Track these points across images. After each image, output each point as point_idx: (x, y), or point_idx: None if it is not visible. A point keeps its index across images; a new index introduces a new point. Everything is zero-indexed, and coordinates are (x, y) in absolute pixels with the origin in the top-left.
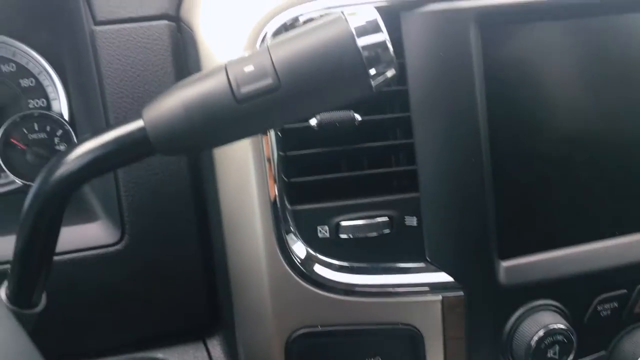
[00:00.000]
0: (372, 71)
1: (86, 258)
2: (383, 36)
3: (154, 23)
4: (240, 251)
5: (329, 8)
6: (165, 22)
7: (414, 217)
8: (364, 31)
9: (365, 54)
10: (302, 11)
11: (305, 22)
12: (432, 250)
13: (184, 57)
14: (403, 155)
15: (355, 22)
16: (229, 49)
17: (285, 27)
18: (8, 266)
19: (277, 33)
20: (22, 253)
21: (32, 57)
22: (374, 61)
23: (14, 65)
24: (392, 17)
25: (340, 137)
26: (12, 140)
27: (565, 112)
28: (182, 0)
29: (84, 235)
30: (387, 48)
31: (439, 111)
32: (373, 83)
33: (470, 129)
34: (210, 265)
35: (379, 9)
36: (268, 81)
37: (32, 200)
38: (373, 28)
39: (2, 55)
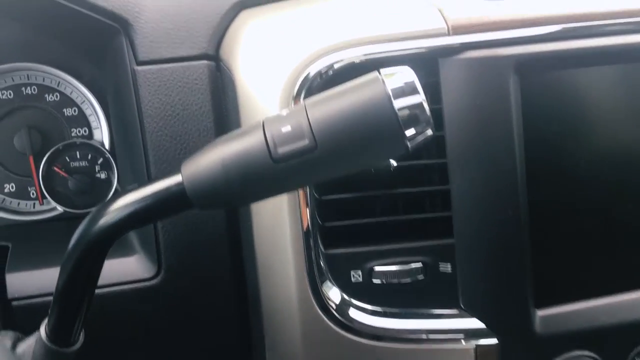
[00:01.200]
0: (409, 132)
1: (122, 292)
2: (420, 97)
3: (194, 63)
4: (274, 292)
5: (367, 55)
6: (204, 62)
7: (448, 264)
8: (400, 92)
9: (401, 115)
10: (340, 58)
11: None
12: (467, 297)
13: (222, 97)
14: (438, 200)
15: (392, 83)
16: (267, 92)
17: (320, 75)
18: (49, 298)
19: (315, 78)
20: (63, 295)
21: (76, 87)
22: (411, 122)
23: (58, 94)
24: (430, 63)
25: (376, 181)
26: (55, 168)
27: (605, 159)
28: (222, 40)
29: (120, 269)
30: (424, 110)
31: (476, 158)
32: (409, 144)
33: (508, 176)
34: (244, 305)
35: (417, 54)
36: (304, 142)
37: (75, 246)
38: (410, 89)
39: (47, 84)
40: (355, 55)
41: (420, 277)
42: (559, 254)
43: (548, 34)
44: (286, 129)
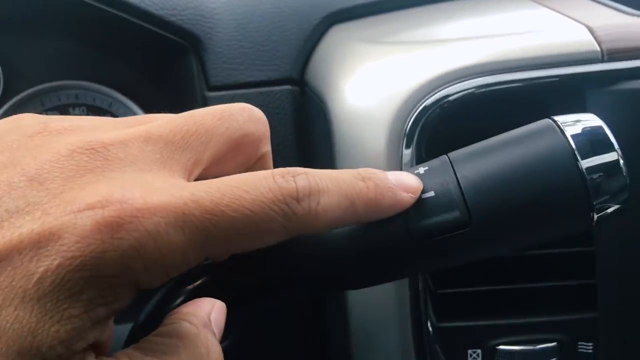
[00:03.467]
0: (598, 202)
1: None
2: (615, 155)
3: (275, 88)
4: None
5: (482, 87)
6: (288, 87)
7: (590, 343)
8: (587, 147)
9: (590, 179)
10: (462, 88)
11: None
12: None
13: (308, 129)
14: (578, 264)
15: (574, 132)
16: (368, 125)
17: (441, 107)
18: None
19: (432, 112)
20: None
21: (130, 108)
22: (602, 189)
23: (110, 116)
24: (574, 95)
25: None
26: None
27: None
28: (308, 61)
29: None
30: (620, 170)
31: (632, 213)
32: (596, 217)
33: None
34: None
35: (559, 84)
36: (455, 214)
37: None
38: (600, 142)
39: (98, 105)
40: (482, 83)
41: (554, 358)
42: None
43: None
44: (429, 194)
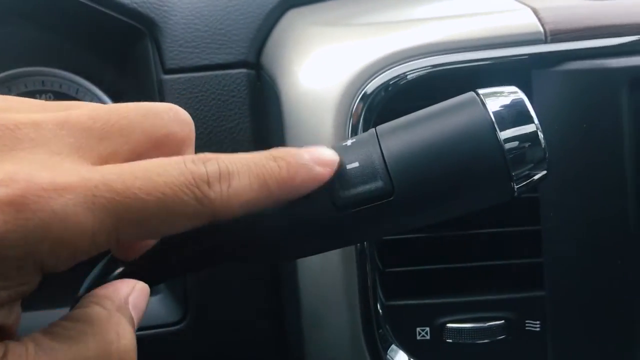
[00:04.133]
0: (516, 173)
1: (141, 338)
2: (533, 126)
3: (230, 72)
4: (321, 350)
5: (442, 66)
6: (243, 70)
7: (537, 321)
8: (506, 119)
9: (508, 150)
10: (410, 68)
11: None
12: None
13: (263, 112)
14: (526, 244)
15: (495, 106)
16: (318, 107)
17: (386, 88)
18: None
19: (378, 93)
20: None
21: (96, 95)
22: (520, 160)
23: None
24: (520, 76)
25: (448, 220)
26: None
27: None
28: (264, 45)
29: None
30: (538, 142)
31: (576, 192)
32: (516, 187)
33: (618, 216)
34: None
35: (505, 65)
36: (377, 184)
37: None
38: (519, 114)
39: (64, 92)
40: (427, 64)
41: (502, 336)
42: None
43: None
44: (353, 165)
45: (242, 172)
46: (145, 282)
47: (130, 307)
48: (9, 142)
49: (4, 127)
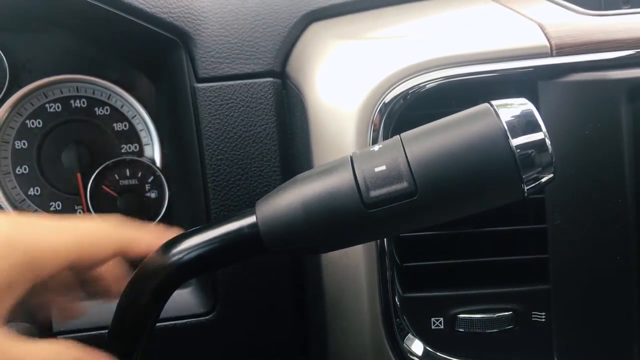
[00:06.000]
0: (526, 175)
1: (174, 327)
2: (541, 134)
3: (258, 80)
4: (344, 339)
5: (449, 78)
6: (270, 79)
7: (543, 313)
8: (517, 128)
9: (520, 156)
10: (426, 79)
11: (427, 91)
12: (563, 350)
13: (289, 118)
14: (533, 241)
15: (507, 116)
16: (341, 114)
17: (405, 97)
18: (94, 333)
19: (396, 102)
20: (120, 336)
21: (127, 101)
22: (530, 164)
23: (108, 108)
24: (528, 87)
25: (462, 218)
26: (104, 186)
27: None
28: (289, 55)
29: (173, 302)
30: (546, 148)
31: (578, 194)
32: (526, 189)
33: (617, 216)
34: (308, 349)
35: (513, 77)
36: (403, 185)
37: (132, 291)
38: (529, 123)
39: (97, 97)
40: (441, 76)
41: (510, 327)
42: None
43: None
44: (380, 168)
45: None
46: None
47: None
48: None
49: None
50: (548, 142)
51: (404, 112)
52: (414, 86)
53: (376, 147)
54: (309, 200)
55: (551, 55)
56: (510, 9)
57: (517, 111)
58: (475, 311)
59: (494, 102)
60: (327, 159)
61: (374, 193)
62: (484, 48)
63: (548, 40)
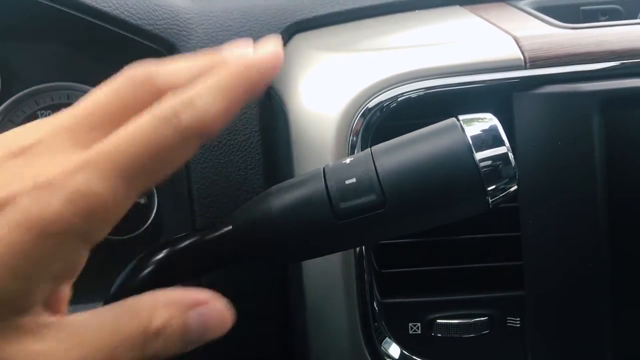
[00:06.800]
0: (491, 188)
1: None
2: (504, 149)
3: None
4: (324, 344)
5: (427, 89)
6: None
7: (518, 318)
8: (482, 143)
9: (483, 169)
10: (402, 91)
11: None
12: (537, 355)
13: (272, 128)
14: (508, 248)
15: (473, 131)
16: (321, 125)
17: (381, 109)
18: None
19: (374, 113)
20: None
21: None
22: (493, 177)
23: None
24: (503, 98)
25: (440, 226)
26: None
27: None
28: None
29: None
30: (509, 162)
31: (551, 203)
32: (490, 200)
33: (588, 224)
34: (292, 355)
35: (488, 88)
36: (372, 197)
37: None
38: (493, 139)
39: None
40: (418, 87)
41: (486, 331)
42: None
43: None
44: (351, 180)
45: (203, 93)
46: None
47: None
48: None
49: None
50: (511, 155)
51: (383, 121)
52: (392, 97)
53: (348, 160)
54: (281, 211)
55: (525, 67)
56: (491, 22)
57: (482, 126)
58: (452, 316)
59: (460, 117)
60: (307, 166)
61: (344, 205)
62: (460, 60)
63: (522, 52)
